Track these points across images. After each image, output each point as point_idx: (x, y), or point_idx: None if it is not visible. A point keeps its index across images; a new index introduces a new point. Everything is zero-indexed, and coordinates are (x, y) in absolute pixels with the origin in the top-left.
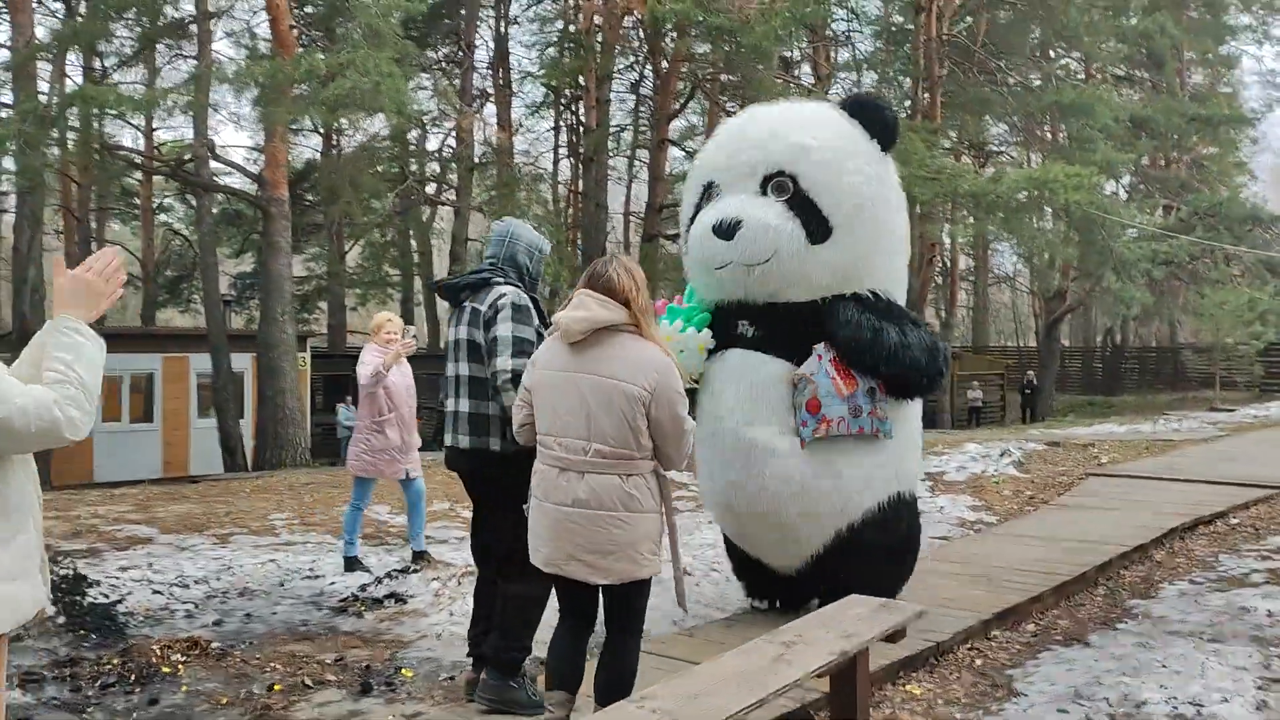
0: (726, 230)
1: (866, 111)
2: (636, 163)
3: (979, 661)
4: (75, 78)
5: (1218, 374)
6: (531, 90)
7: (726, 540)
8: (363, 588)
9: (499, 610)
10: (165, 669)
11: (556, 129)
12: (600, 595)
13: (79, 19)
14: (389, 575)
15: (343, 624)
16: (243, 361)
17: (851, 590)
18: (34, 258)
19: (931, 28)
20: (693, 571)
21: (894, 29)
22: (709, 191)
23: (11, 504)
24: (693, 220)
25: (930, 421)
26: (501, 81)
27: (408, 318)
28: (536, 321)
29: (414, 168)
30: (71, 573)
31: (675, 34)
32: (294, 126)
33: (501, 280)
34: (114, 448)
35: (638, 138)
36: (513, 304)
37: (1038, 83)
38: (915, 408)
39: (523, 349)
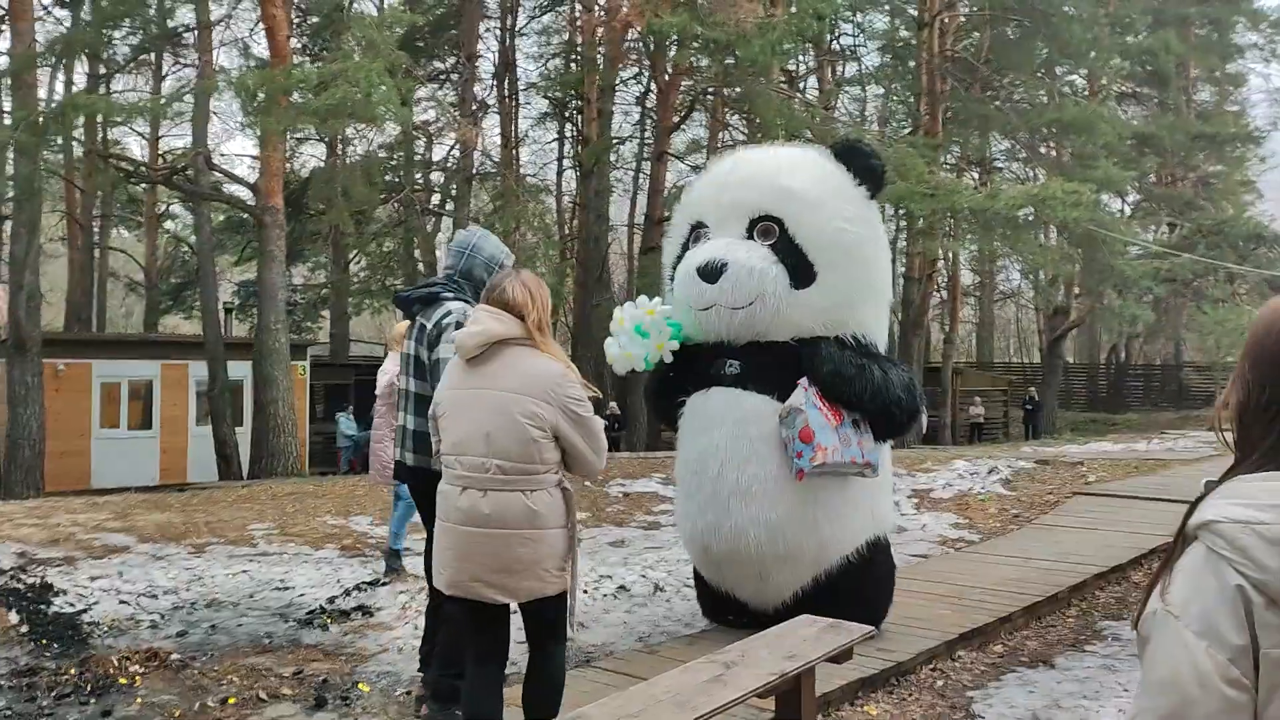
0: (712, 273)
1: (854, 157)
2: (641, 175)
3: (940, 683)
4: (79, 85)
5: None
6: (537, 102)
7: (698, 577)
8: (331, 600)
9: (440, 636)
10: (122, 680)
11: (560, 141)
12: (505, 619)
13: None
14: (358, 587)
15: (306, 636)
16: (243, 370)
17: None
18: (31, 265)
19: (934, 44)
20: (665, 587)
21: (899, 44)
22: (696, 231)
23: None
24: (679, 258)
25: (932, 438)
26: (506, 93)
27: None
28: None
29: (418, 178)
30: (39, 581)
31: (676, 47)
32: (299, 136)
33: (451, 295)
34: (112, 454)
35: (642, 150)
36: (457, 323)
37: (1042, 99)
38: (887, 450)
39: None
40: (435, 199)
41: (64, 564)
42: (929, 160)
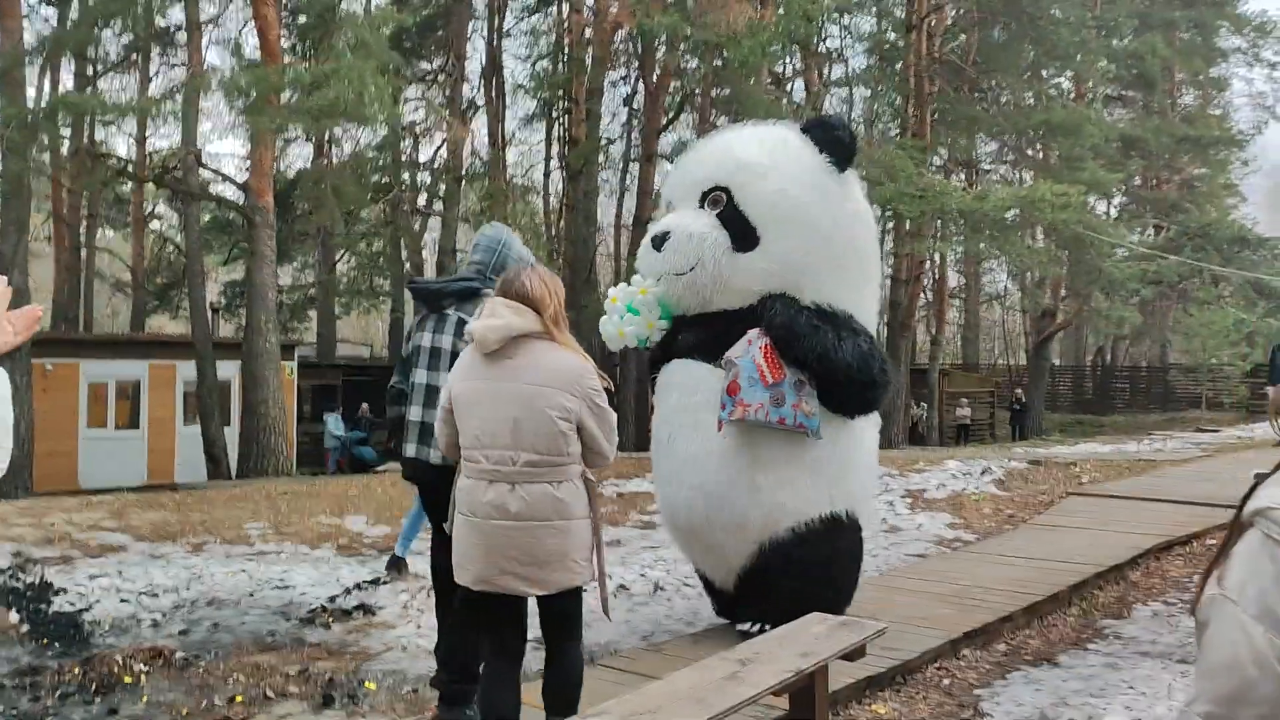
0: (657, 242)
1: (820, 129)
2: (629, 176)
3: (946, 681)
4: (67, 83)
5: (1205, 395)
6: (525, 102)
7: (699, 574)
8: (332, 599)
9: (450, 640)
10: (127, 679)
11: (548, 142)
12: (524, 615)
13: (71, 22)
14: (358, 586)
15: (310, 635)
16: (230, 369)
17: (781, 610)
18: (19, 263)
19: (922, 46)
20: (665, 586)
21: (886, 46)
22: (668, 210)
23: None
24: None
25: (919, 439)
26: (494, 94)
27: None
28: None
29: (405, 178)
30: (38, 580)
31: (665, 48)
32: (286, 136)
33: (491, 291)
34: (99, 454)
35: (628, 152)
36: None
37: (1029, 101)
38: (862, 428)
39: None
40: (422, 199)
41: (61, 563)
42: (918, 162)
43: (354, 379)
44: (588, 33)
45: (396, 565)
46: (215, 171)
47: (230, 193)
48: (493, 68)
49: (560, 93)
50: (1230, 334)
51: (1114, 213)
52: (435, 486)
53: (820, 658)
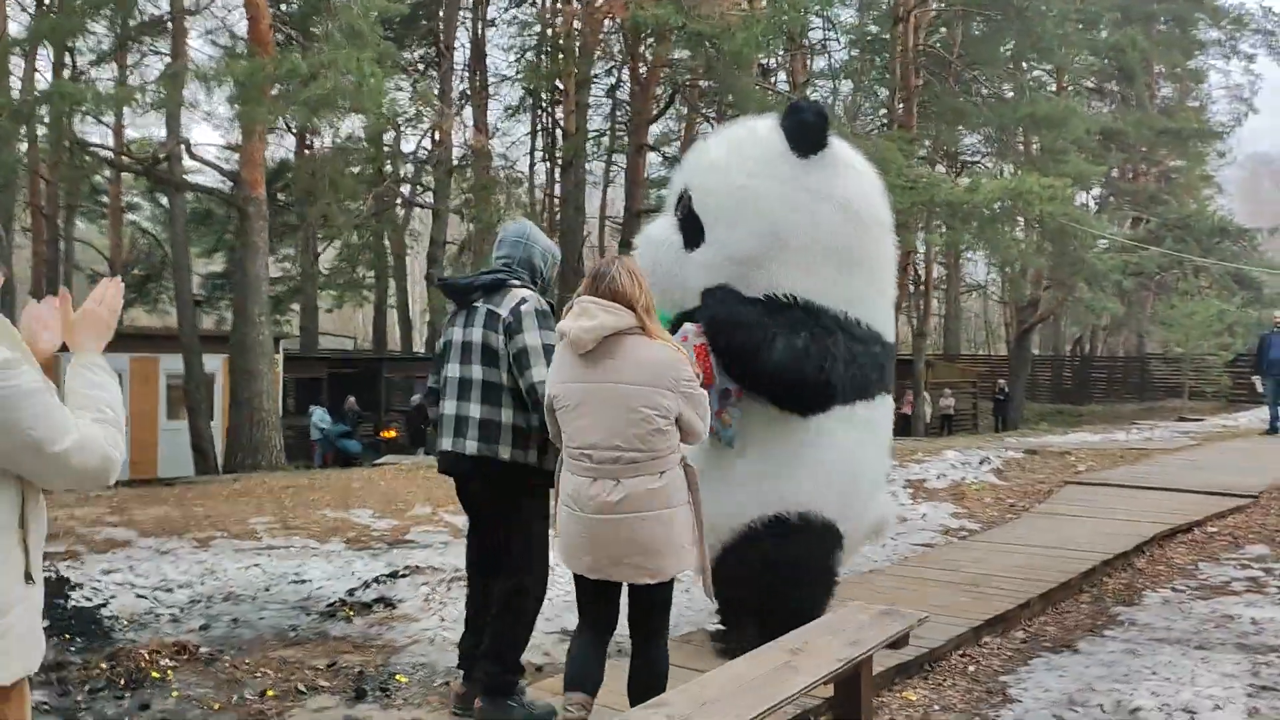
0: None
1: (786, 115)
2: (613, 167)
3: (972, 668)
4: (46, 74)
5: (1186, 384)
6: (509, 93)
7: None
8: (350, 592)
9: (493, 629)
10: (154, 674)
11: (534, 133)
12: (620, 601)
13: (52, 14)
14: (377, 580)
15: (332, 629)
16: (213, 363)
17: (744, 612)
18: (3, 256)
19: (909, 38)
20: (681, 578)
21: (869, 38)
22: None
23: (41, 538)
24: None
25: (904, 430)
26: (478, 84)
27: (380, 320)
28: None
29: (389, 169)
30: (54, 575)
31: (655, 40)
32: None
33: (518, 283)
34: None
35: (614, 142)
36: (536, 310)
37: (1010, 94)
38: (828, 428)
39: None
40: (405, 189)
41: (70, 558)
42: (907, 154)
43: (339, 372)
44: (576, 23)
45: None
46: (205, 162)
47: (215, 184)
48: (478, 58)
49: (544, 83)
50: (1212, 324)
51: (1092, 205)
52: (470, 478)
53: (868, 646)
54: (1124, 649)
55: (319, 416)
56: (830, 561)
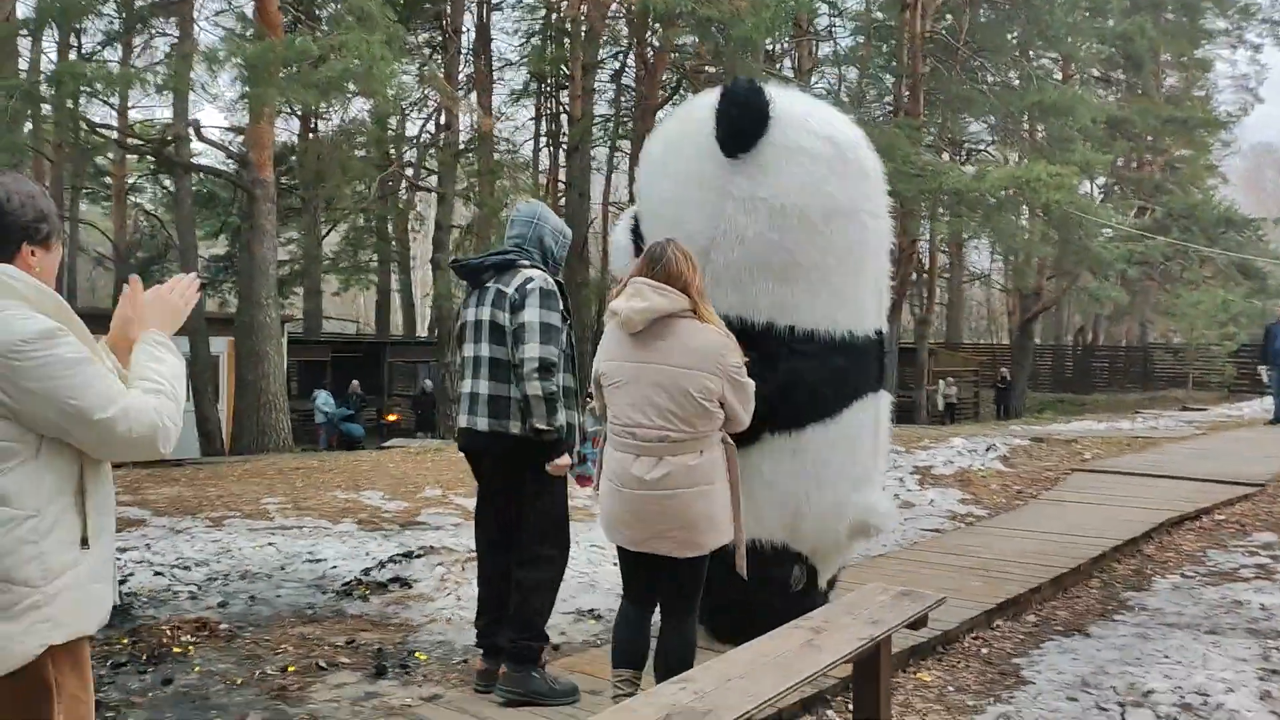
0: None
1: (718, 102)
2: (617, 153)
3: (985, 650)
4: (52, 56)
5: (1191, 374)
6: (513, 77)
7: None
8: (366, 572)
9: (514, 600)
10: (176, 650)
11: (538, 118)
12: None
13: None
14: (392, 559)
15: (349, 607)
16: (218, 345)
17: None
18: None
19: (915, 25)
20: None
21: (876, 25)
22: None
23: (105, 504)
24: None
25: (907, 417)
26: (483, 68)
27: (384, 304)
28: (563, 307)
29: (394, 152)
30: None
31: (662, 25)
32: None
33: (527, 263)
34: None
35: (618, 127)
36: (541, 289)
37: (1017, 81)
38: (756, 452)
39: (550, 336)
40: (409, 172)
41: None
42: (914, 141)
43: (343, 355)
44: (583, 7)
45: None
46: (213, 144)
47: (224, 165)
48: (483, 42)
49: (548, 68)
50: (1217, 314)
51: (1097, 194)
52: (484, 453)
53: (888, 626)
54: (1135, 633)
55: (323, 400)
56: (789, 579)
